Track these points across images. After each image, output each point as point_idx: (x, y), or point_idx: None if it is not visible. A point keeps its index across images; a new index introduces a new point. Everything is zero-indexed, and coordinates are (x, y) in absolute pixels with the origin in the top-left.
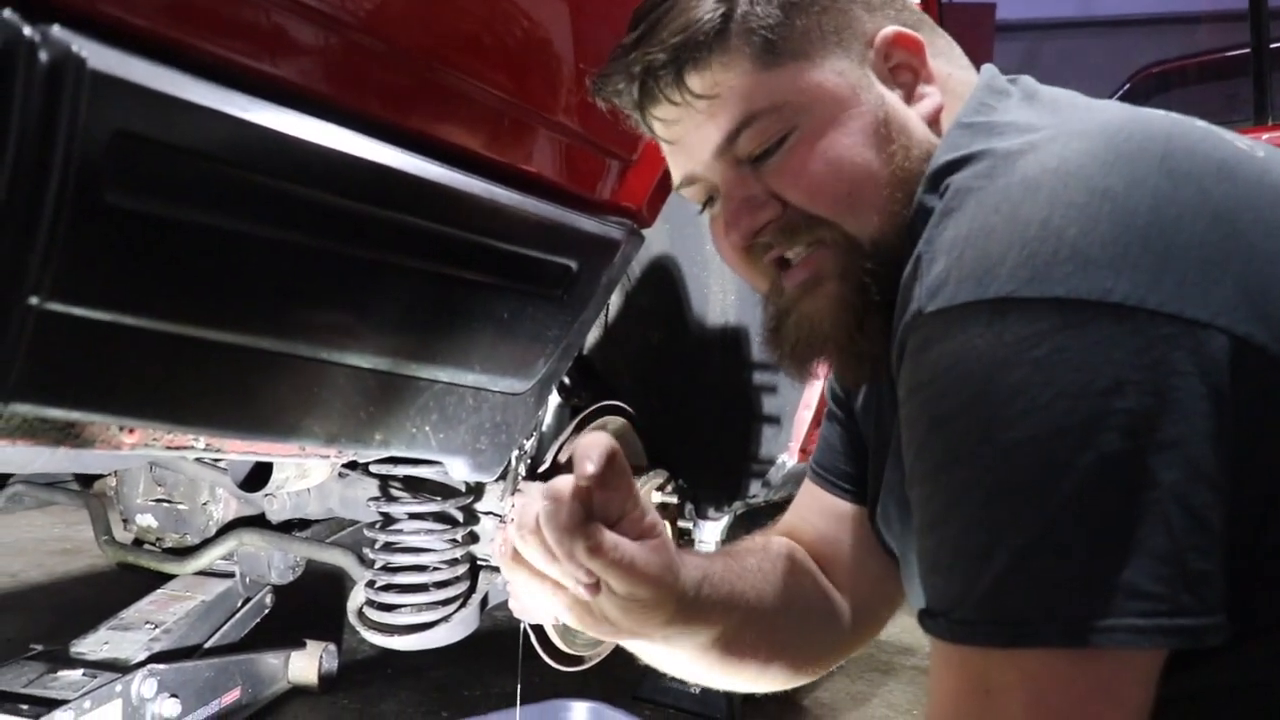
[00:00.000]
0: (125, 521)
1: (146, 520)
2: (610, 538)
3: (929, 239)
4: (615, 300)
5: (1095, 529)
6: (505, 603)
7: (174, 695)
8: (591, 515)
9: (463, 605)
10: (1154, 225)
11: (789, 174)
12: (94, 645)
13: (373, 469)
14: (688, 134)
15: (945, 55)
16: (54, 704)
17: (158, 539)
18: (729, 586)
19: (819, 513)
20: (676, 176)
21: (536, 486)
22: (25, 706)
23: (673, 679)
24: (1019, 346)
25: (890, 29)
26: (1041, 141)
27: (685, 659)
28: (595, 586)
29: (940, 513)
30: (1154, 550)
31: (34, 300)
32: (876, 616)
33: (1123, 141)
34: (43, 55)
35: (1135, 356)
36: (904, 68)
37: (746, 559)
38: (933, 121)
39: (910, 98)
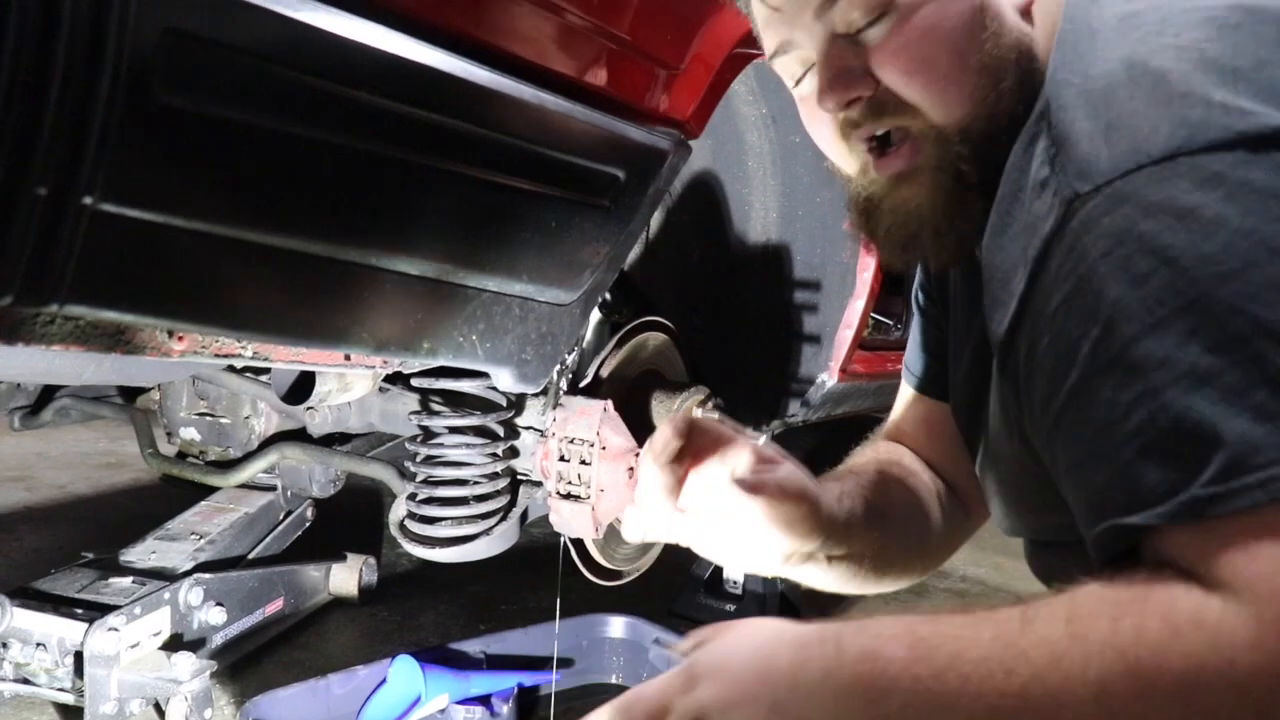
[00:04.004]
0: (169, 435)
1: (190, 434)
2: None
3: (1057, 134)
4: (656, 217)
5: None
6: (545, 518)
7: (220, 604)
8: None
9: (503, 519)
10: None
11: (887, 52)
12: (142, 554)
13: (414, 383)
14: None
15: None
16: (107, 609)
17: (201, 452)
18: (864, 498)
19: (915, 413)
20: (771, 45)
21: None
22: (80, 610)
23: (707, 595)
24: (1200, 191)
25: None
26: (1150, 35)
27: (848, 574)
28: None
29: (1160, 379)
30: None
31: (87, 200)
32: (983, 501)
33: (1234, 27)
34: None
35: None
36: None
37: (867, 471)
38: (1025, 12)
39: None
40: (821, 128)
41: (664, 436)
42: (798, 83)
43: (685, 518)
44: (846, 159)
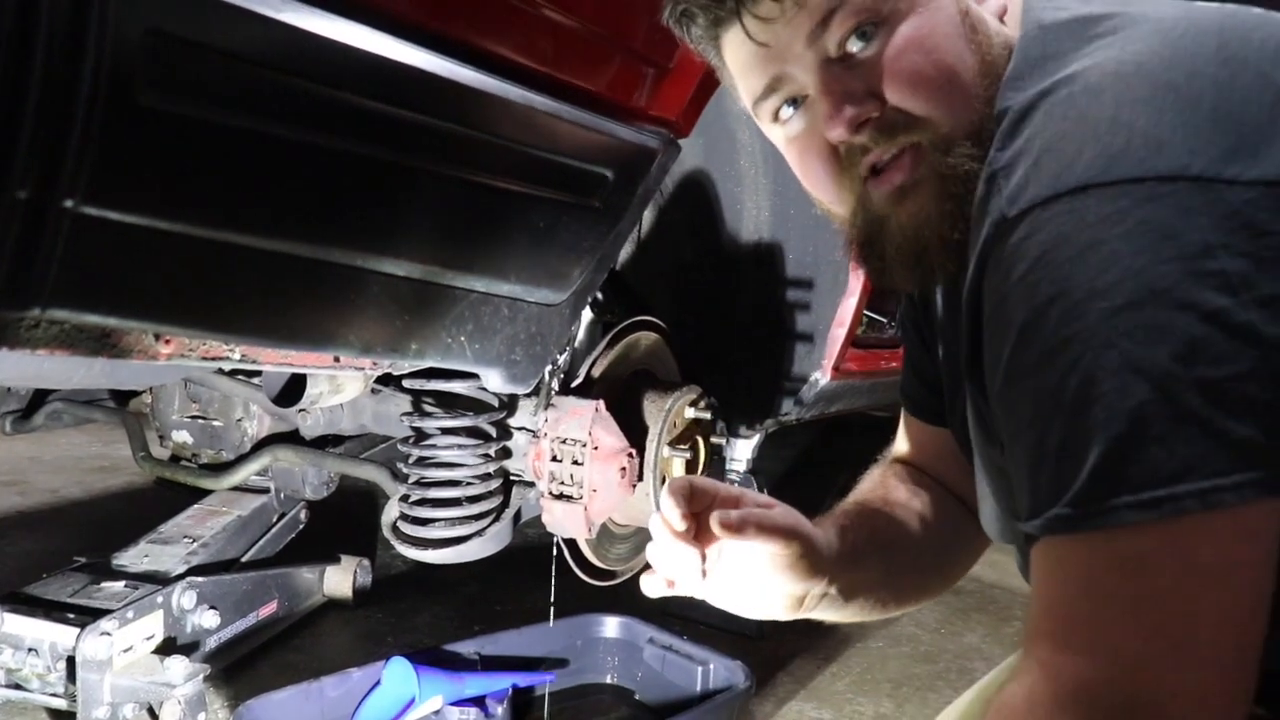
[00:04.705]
0: (162, 438)
1: (182, 437)
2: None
3: (999, 157)
4: (648, 215)
5: (1206, 386)
6: (538, 518)
7: (213, 607)
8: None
9: (496, 520)
10: (1220, 109)
11: (888, 67)
12: (135, 558)
13: (405, 384)
14: (779, 31)
15: None
16: (99, 613)
17: (193, 455)
18: (867, 528)
19: (917, 435)
20: (758, 86)
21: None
22: (72, 615)
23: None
24: (1103, 225)
25: None
26: (1097, 49)
27: (866, 605)
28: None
29: (1046, 402)
30: (1269, 403)
31: (69, 203)
32: None
33: (1177, 38)
34: None
35: (1221, 221)
36: None
37: (871, 498)
38: (999, 18)
39: None
40: (818, 164)
41: (666, 503)
42: (784, 122)
43: (697, 572)
44: (844, 195)
